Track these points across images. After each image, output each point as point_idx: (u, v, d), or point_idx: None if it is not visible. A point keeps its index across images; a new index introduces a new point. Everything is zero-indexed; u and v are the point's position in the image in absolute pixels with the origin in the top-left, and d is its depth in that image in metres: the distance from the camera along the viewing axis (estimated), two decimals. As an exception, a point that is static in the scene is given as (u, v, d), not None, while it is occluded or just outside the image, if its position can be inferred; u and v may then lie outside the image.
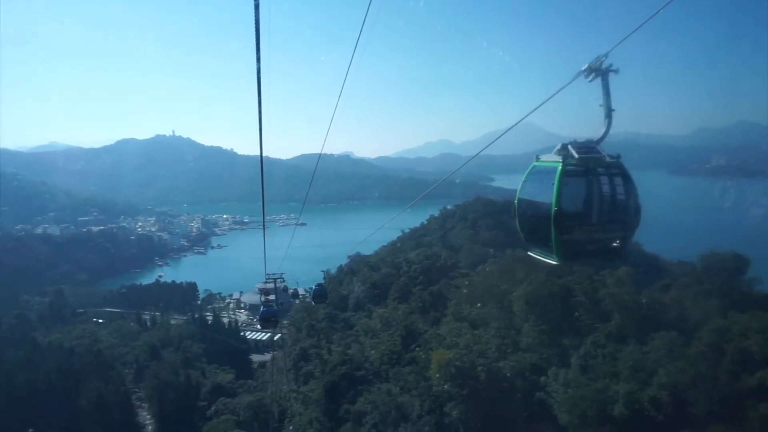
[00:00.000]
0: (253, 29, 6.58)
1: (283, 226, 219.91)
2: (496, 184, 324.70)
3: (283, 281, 32.45)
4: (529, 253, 7.88)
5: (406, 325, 48.37)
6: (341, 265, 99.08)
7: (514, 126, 9.82)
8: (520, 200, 7.73)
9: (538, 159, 7.51)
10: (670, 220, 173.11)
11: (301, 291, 64.94)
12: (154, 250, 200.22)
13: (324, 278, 40.02)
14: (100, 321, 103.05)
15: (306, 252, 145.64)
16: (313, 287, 29.70)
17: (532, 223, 7.53)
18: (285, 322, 72.40)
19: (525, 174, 7.63)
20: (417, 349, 41.47)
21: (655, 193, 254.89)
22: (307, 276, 76.14)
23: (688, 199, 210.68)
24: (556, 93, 7.61)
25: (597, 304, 33.08)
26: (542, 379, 30.44)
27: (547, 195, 6.82)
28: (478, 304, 44.92)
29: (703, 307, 28.92)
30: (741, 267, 31.54)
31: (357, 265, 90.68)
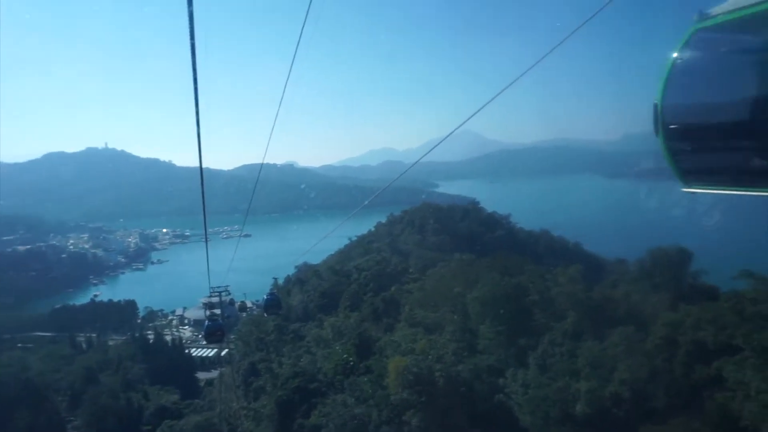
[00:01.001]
0: (188, 37, 5.94)
1: (226, 238, 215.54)
2: (440, 189, 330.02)
3: (229, 294, 31.10)
4: (688, 189, 3.97)
5: (359, 333, 47.42)
6: (288, 276, 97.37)
7: (453, 132, 9.44)
8: (669, 106, 3.86)
9: (704, 16, 3.66)
10: (607, 221, 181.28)
11: (248, 303, 62.74)
12: (88, 269, 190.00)
13: (273, 286, 38.50)
14: (29, 346, 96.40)
15: (251, 264, 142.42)
16: (265, 297, 28.19)
17: (712, 135, 3.82)
18: (232, 336, 70.09)
19: (672, 58, 3.77)
20: (371, 357, 40.59)
21: (593, 195, 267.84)
22: (254, 288, 74.06)
23: (622, 200, 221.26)
24: (498, 95, 6.93)
25: (551, 302, 33.26)
26: (500, 380, 30.18)
27: (753, 71, 3.36)
28: (432, 309, 44.56)
29: (653, 301, 29.54)
30: (685, 260, 32.57)
31: (305, 275, 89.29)
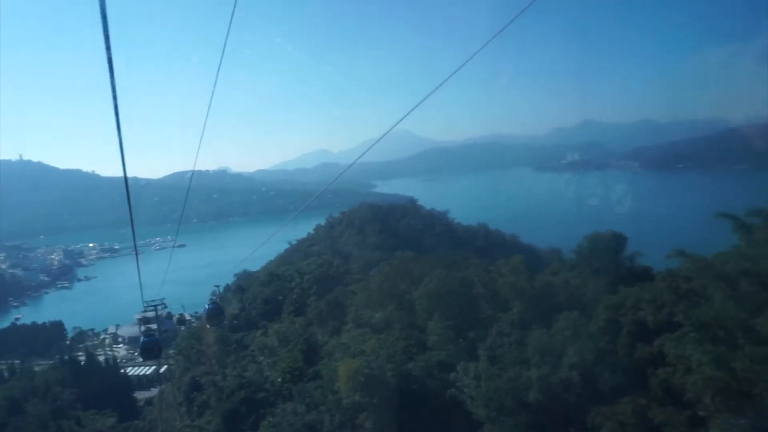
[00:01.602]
0: (103, 38, 5.51)
1: (159, 249, 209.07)
2: (377, 189, 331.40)
3: (165, 307, 29.56)
4: None
5: (305, 338, 46.52)
6: (228, 284, 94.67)
7: (387, 132, 9.40)
8: None
9: None
10: (538, 212, 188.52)
11: (187, 316, 60.16)
12: (7, 291, 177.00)
13: (215, 295, 36.72)
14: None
15: (188, 274, 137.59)
16: (206, 306, 26.72)
17: None
18: (171, 351, 67.20)
19: None
20: (320, 362, 39.81)
21: (525, 188, 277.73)
22: (193, 299, 71.32)
23: (549, 192, 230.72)
24: (431, 93, 6.87)
25: (496, 294, 33.65)
26: (452, 375, 30.14)
27: None
28: (377, 308, 44.17)
29: (593, 286, 30.44)
30: (620, 244, 33.80)
31: (245, 282, 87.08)
